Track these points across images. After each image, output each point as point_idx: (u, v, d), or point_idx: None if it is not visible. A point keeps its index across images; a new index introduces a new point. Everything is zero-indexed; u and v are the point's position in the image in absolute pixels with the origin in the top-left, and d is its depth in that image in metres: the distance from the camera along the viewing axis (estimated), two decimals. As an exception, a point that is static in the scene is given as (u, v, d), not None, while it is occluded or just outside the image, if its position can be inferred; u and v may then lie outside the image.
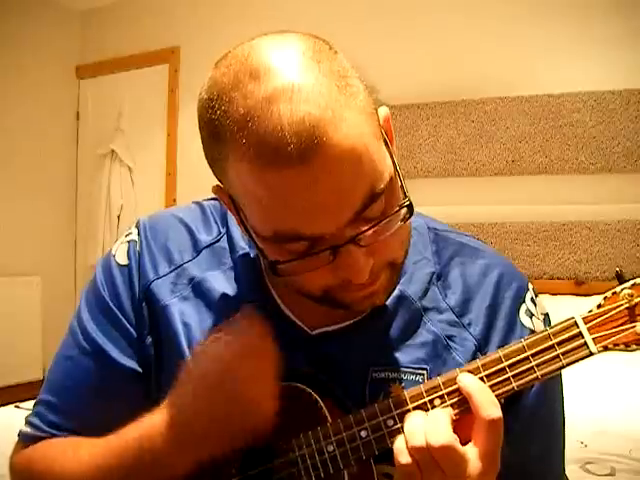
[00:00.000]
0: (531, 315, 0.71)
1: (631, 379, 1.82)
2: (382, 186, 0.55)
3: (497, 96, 2.74)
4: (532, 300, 0.72)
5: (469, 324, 0.70)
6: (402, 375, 0.67)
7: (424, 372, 0.67)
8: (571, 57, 2.64)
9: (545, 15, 2.69)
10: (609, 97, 2.53)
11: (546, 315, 0.73)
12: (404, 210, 0.58)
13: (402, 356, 0.68)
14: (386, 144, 0.59)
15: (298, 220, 0.54)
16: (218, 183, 0.62)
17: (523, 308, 0.71)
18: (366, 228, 0.55)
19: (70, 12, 3.88)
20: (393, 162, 0.58)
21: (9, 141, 3.53)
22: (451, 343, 0.69)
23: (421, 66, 2.92)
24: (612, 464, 1.42)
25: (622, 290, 0.59)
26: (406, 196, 0.58)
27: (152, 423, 0.63)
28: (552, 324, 0.61)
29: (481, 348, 0.69)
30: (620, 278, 0.60)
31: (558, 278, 2.59)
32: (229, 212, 0.74)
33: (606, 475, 1.39)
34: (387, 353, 0.68)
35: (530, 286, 0.74)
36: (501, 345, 0.68)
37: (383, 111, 0.62)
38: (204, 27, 3.50)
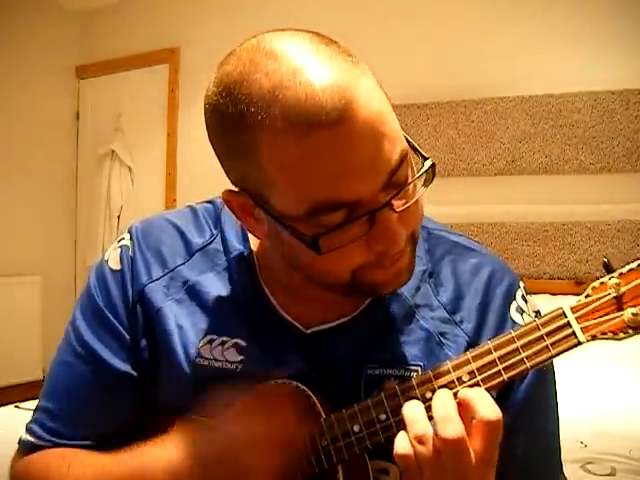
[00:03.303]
0: (522, 312, 0.72)
1: (631, 379, 1.83)
2: (406, 147, 0.57)
3: (497, 96, 2.74)
4: (523, 297, 0.73)
5: (461, 321, 0.70)
6: (396, 372, 0.67)
7: (418, 369, 0.68)
8: (571, 57, 2.64)
9: (545, 15, 2.69)
10: (609, 97, 2.53)
11: (537, 312, 0.74)
12: (424, 175, 0.59)
13: (396, 353, 0.68)
14: None
15: (337, 184, 0.54)
16: (228, 188, 0.62)
17: (514, 305, 0.72)
18: (398, 190, 0.57)
19: (70, 12, 3.88)
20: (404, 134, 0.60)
21: (9, 141, 3.53)
22: (444, 340, 0.69)
23: (421, 66, 2.92)
24: (612, 464, 1.42)
25: (610, 279, 0.59)
26: (426, 158, 0.60)
27: (149, 463, 0.64)
28: (542, 314, 0.61)
29: (473, 345, 0.69)
30: (608, 268, 0.60)
31: (558, 278, 2.59)
32: (224, 214, 0.74)
33: (606, 475, 1.39)
34: (381, 350, 0.69)
35: (521, 284, 0.74)
36: None
37: None
38: (204, 27, 3.50)
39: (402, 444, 0.56)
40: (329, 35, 0.60)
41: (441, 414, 0.55)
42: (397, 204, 0.57)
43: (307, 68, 0.53)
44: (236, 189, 0.62)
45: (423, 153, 0.60)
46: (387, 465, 0.66)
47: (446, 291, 0.72)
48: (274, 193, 0.57)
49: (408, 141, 0.60)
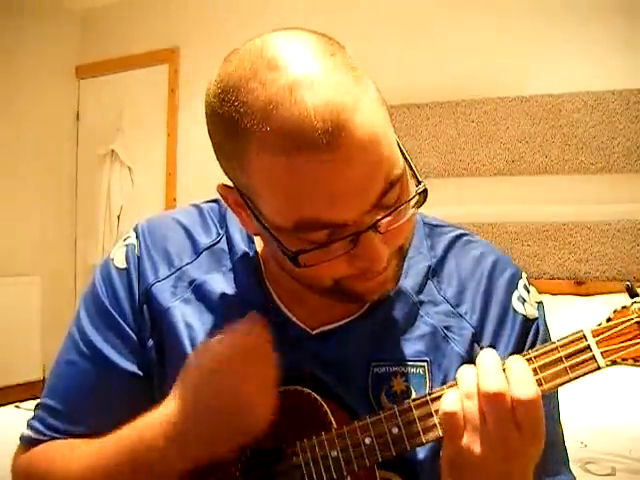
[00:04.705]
0: (523, 301, 0.72)
1: (631, 379, 1.82)
2: (399, 172, 0.56)
3: (497, 96, 2.74)
4: (525, 287, 0.73)
5: (465, 313, 0.71)
6: (403, 369, 0.68)
7: (424, 364, 0.68)
8: (571, 57, 2.63)
9: (545, 15, 2.69)
10: (609, 97, 2.53)
11: (540, 303, 0.74)
12: (417, 196, 0.58)
13: (402, 350, 0.69)
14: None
15: (323, 206, 0.54)
16: (223, 182, 0.62)
17: (515, 294, 0.72)
18: (384, 214, 0.56)
19: (70, 12, 3.88)
20: (402, 151, 0.59)
21: (9, 141, 3.52)
22: (449, 334, 0.70)
23: (421, 66, 2.92)
24: (612, 464, 1.42)
25: (632, 304, 0.58)
26: (420, 182, 0.59)
27: (150, 421, 0.63)
28: (562, 336, 0.59)
29: (477, 335, 0.70)
30: (630, 292, 0.59)
31: (558, 278, 2.59)
32: (229, 213, 0.74)
33: (606, 475, 1.39)
34: (387, 347, 0.69)
35: (523, 275, 0.75)
36: (496, 332, 0.70)
37: None
38: (204, 27, 3.50)
39: (450, 401, 0.56)
40: (330, 36, 0.60)
41: (517, 376, 0.55)
42: (383, 224, 0.57)
43: (304, 84, 0.52)
44: (231, 185, 0.62)
45: (419, 177, 0.59)
46: (391, 475, 0.66)
47: (450, 285, 0.72)
48: (261, 202, 0.58)
49: (406, 158, 0.59)
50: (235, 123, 0.54)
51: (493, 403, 0.54)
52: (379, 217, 0.56)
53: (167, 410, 0.63)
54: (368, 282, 0.61)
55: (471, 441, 0.54)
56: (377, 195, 0.55)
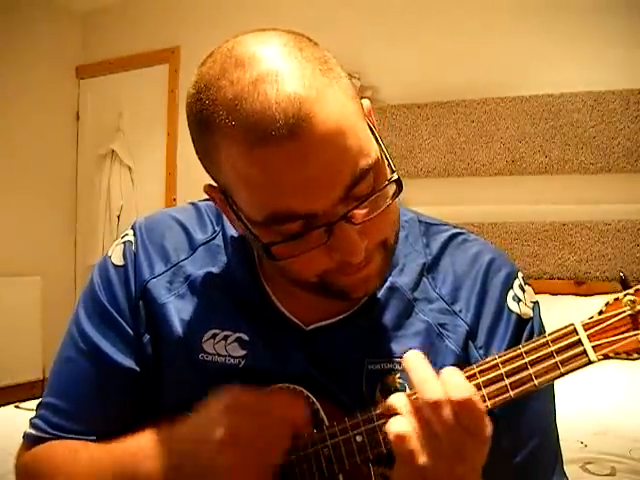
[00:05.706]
0: (518, 301, 0.72)
1: (631, 379, 1.82)
2: (370, 162, 0.56)
3: (497, 96, 2.74)
4: (520, 287, 0.73)
5: (460, 311, 0.71)
6: (397, 365, 0.68)
7: None
8: (571, 57, 2.64)
9: (545, 15, 2.69)
10: (609, 97, 2.53)
11: (536, 303, 0.74)
12: (393, 187, 0.59)
13: (396, 347, 0.69)
14: (370, 129, 0.60)
15: (290, 198, 0.55)
16: (210, 182, 0.63)
17: (510, 294, 0.72)
18: (357, 205, 0.57)
19: (70, 12, 3.88)
20: (378, 143, 0.60)
21: (9, 141, 3.53)
22: (443, 331, 0.70)
23: (421, 66, 2.92)
24: (612, 464, 1.42)
25: (625, 296, 0.56)
26: (393, 172, 0.59)
27: (152, 439, 0.64)
28: (552, 330, 0.58)
29: (472, 333, 0.70)
30: (624, 284, 0.57)
31: (558, 278, 2.59)
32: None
33: (606, 475, 1.39)
34: (381, 344, 0.69)
35: (519, 274, 0.74)
36: (490, 330, 0.69)
37: (365, 102, 0.63)
38: (204, 27, 3.50)
39: (400, 422, 0.54)
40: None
41: (449, 381, 0.54)
42: (358, 215, 0.57)
43: (268, 79, 0.53)
44: (215, 184, 0.63)
45: (392, 165, 0.60)
46: (386, 471, 0.66)
47: (445, 283, 0.72)
48: (236, 197, 0.59)
49: (382, 149, 0.59)
50: (206, 121, 0.56)
51: (434, 410, 0.52)
52: (352, 208, 0.56)
53: (164, 443, 0.63)
54: (350, 277, 0.61)
55: (427, 459, 0.53)
56: (345, 185, 0.55)
